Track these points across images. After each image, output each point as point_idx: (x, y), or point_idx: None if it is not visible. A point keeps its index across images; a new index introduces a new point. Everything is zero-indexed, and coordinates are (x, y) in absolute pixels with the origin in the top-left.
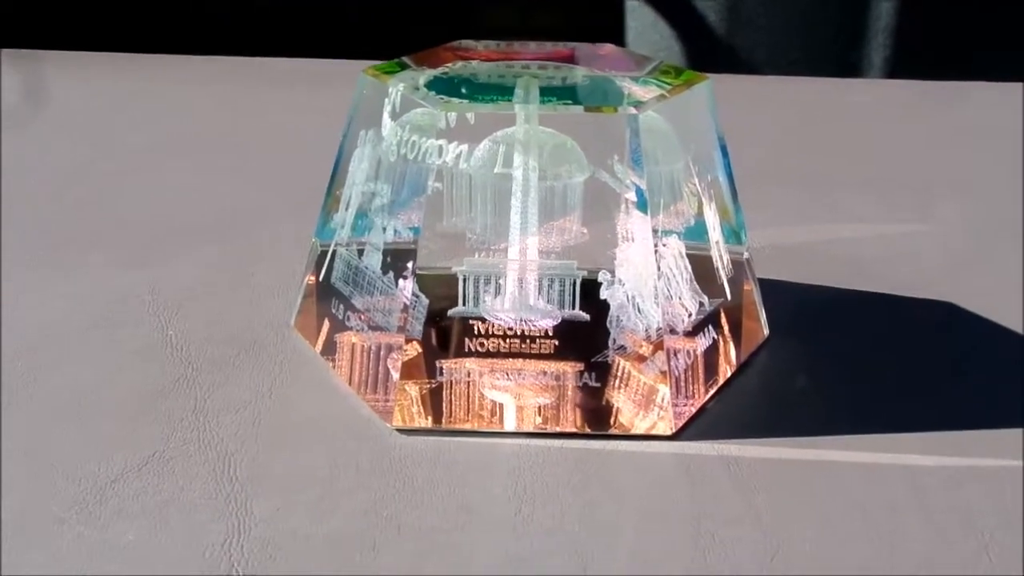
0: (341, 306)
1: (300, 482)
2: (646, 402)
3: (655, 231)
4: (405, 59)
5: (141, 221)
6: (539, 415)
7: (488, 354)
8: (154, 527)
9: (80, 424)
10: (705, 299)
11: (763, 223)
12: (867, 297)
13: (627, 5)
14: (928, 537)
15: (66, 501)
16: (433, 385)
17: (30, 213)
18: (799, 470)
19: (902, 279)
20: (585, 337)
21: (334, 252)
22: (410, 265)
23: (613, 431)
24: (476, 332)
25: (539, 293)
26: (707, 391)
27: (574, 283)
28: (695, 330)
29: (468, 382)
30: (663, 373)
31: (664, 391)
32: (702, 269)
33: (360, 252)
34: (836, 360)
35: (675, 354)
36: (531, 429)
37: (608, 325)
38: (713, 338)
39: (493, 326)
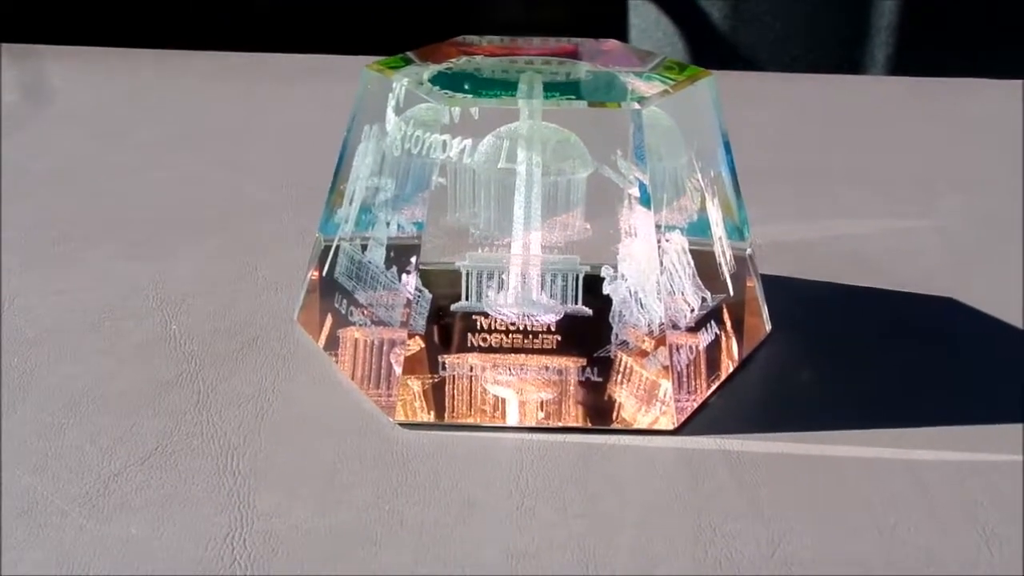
0: (344, 301)
1: (303, 476)
2: (648, 397)
3: (658, 226)
4: (409, 54)
5: (145, 215)
6: (541, 410)
7: (491, 349)
8: (157, 520)
9: (83, 417)
10: (708, 294)
11: (766, 219)
12: (869, 293)
13: (630, 3)
14: (930, 531)
15: (69, 494)
16: (435, 380)
17: (32, 208)
18: (801, 465)
19: (904, 275)
20: (588, 332)
21: (338, 247)
22: (413, 260)
23: (615, 426)
24: (479, 327)
25: (542, 288)
26: (709, 386)
27: (577, 278)
28: (697, 325)
29: (470, 377)
30: (665, 368)
31: (666, 386)
32: (705, 265)
33: (364, 247)
34: (838, 355)
35: (677, 349)
36: (533, 424)
37: (610, 320)
38: (715, 333)
39: (496, 321)
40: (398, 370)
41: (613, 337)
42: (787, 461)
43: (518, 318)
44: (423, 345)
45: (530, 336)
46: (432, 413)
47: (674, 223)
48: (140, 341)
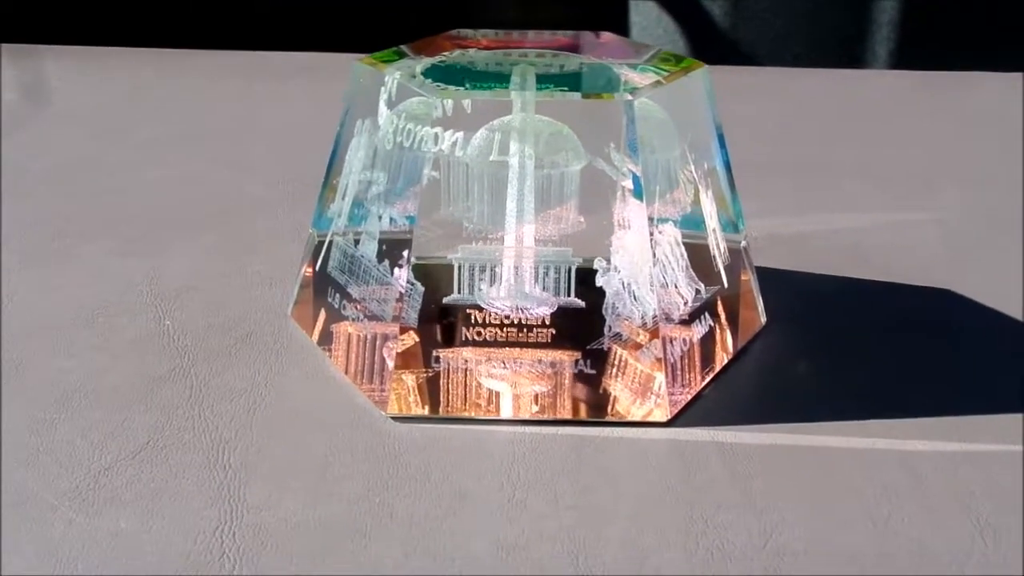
0: (337, 295)
1: (293, 470)
2: (643, 390)
3: (651, 219)
4: (403, 48)
5: (140, 212)
6: (535, 403)
7: (485, 343)
8: (146, 514)
9: (75, 412)
10: (702, 287)
11: (763, 212)
12: (866, 285)
13: (631, 0)
14: (923, 523)
15: (59, 489)
16: (430, 374)
17: (29, 205)
18: (794, 456)
19: (901, 267)
20: (582, 325)
21: (331, 242)
22: (406, 254)
23: (609, 419)
24: (473, 321)
25: (535, 281)
26: (703, 378)
27: (569, 271)
28: (691, 318)
29: (465, 371)
30: (659, 360)
31: (660, 379)
32: (698, 257)
33: (356, 241)
34: (833, 348)
35: (671, 342)
36: (527, 417)
37: (604, 312)
38: (710, 326)
39: (490, 315)
40: (391, 364)
41: (606, 330)
42: (780, 453)
43: (511, 311)
44: (417, 339)
45: (524, 329)
46: (427, 407)
47: (667, 215)
48: (134, 336)
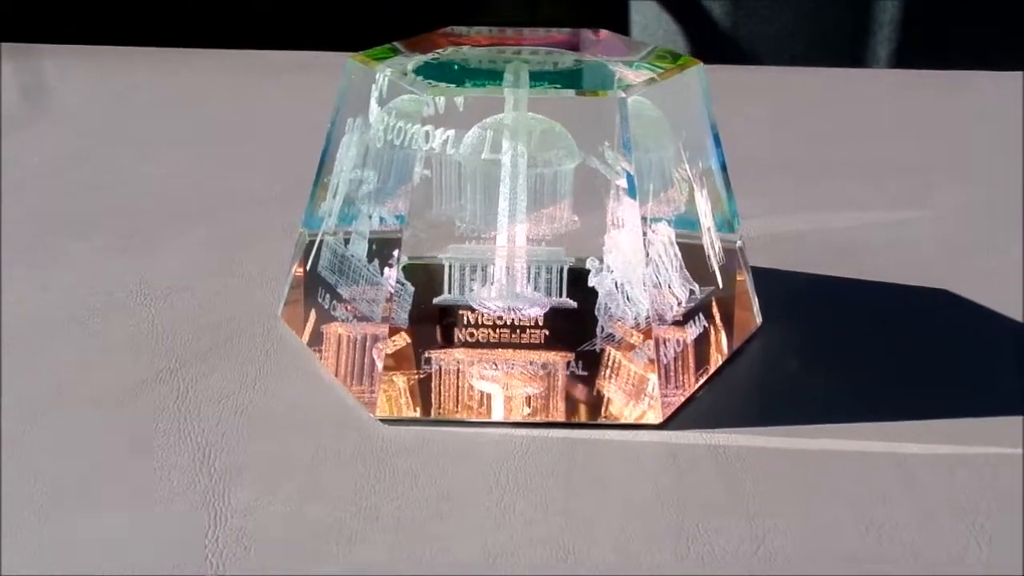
0: (328, 295)
1: (279, 473)
2: (637, 392)
3: (644, 218)
4: (397, 44)
5: (131, 211)
6: (527, 405)
7: (478, 344)
8: (132, 519)
9: (60, 416)
10: (696, 287)
11: (761, 211)
12: (863, 285)
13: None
14: (918, 527)
15: (42, 493)
16: (421, 376)
17: (19, 205)
18: (788, 459)
19: (899, 267)
20: (575, 326)
21: (321, 241)
22: (395, 253)
23: (602, 421)
24: (465, 322)
25: (527, 281)
26: (697, 380)
27: (561, 270)
28: (685, 318)
29: (457, 372)
30: (652, 362)
31: (653, 380)
32: (693, 257)
33: (347, 241)
34: (830, 349)
35: (664, 343)
36: (520, 419)
37: (596, 313)
38: (704, 327)
39: (482, 316)
40: (380, 365)
41: (599, 330)
42: (774, 456)
43: (504, 312)
44: (409, 340)
45: (517, 331)
46: (419, 409)
47: (661, 215)
48: (122, 337)
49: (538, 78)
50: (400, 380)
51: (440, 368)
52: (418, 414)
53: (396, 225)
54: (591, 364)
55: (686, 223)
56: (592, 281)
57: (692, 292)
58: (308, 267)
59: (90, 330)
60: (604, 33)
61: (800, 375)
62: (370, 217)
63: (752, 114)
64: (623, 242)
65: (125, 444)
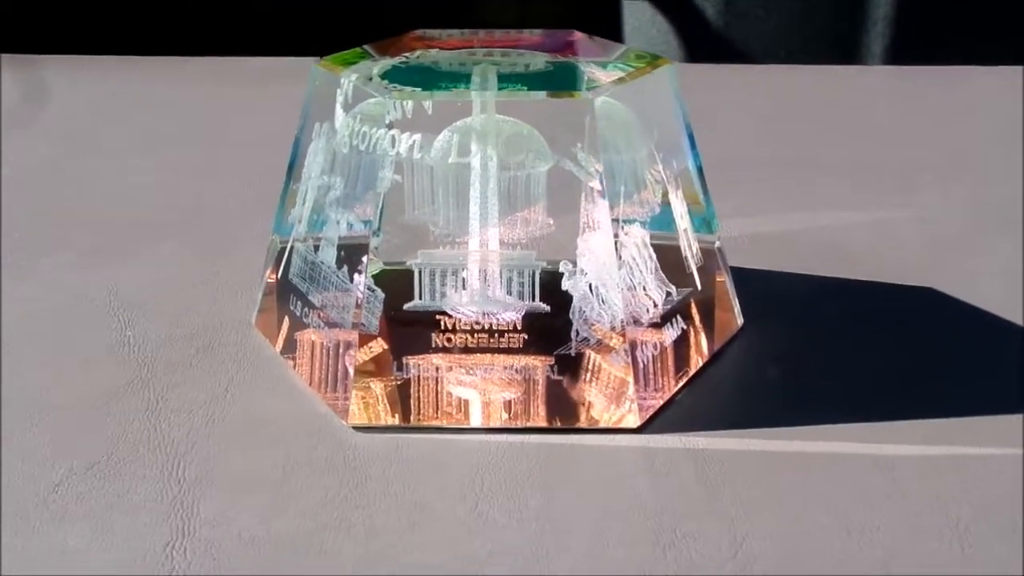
0: (299, 303)
1: (250, 483)
2: (617, 395)
3: (616, 220)
4: (367, 48)
5: (105, 221)
6: (506, 411)
7: (456, 349)
8: (96, 531)
9: (28, 428)
10: (673, 289)
11: (743, 211)
12: (847, 285)
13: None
14: (900, 530)
15: (6, 507)
16: (399, 382)
17: None
18: (768, 462)
19: (884, 266)
20: (553, 330)
21: (292, 248)
22: (364, 259)
23: (580, 425)
24: (443, 327)
25: (500, 285)
26: (677, 382)
27: (533, 274)
28: (663, 321)
29: (435, 378)
30: (629, 365)
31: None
32: (669, 259)
33: (316, 247)
34: (812, 349)
35: (641, 345)
36: (498, 425)
37: (571, 316)
38: (682, 329)
39: (460, 321)
40: (351, 372)
41: (574, 334)
42: (754, 459)
43: (480, 317)
44: (385, 346)
45: (496, 336)
46: (397, 416)
47: (634, 216)
48: (93, 348)
49: (507, 80)
50: (377, 386)
51: (418, 374)
52: (396, 421)
53: (365, 231)
54: (570, 368)
55: (661, 224)
56: (566, 284)
57: (669, 294)
58: (280, 274)
59: (62, 339)
60: (576, 34)
61: (781, 377)
62: (338, 223)
63: (743, 113)
64: (596, 244)
65: (93, 453)
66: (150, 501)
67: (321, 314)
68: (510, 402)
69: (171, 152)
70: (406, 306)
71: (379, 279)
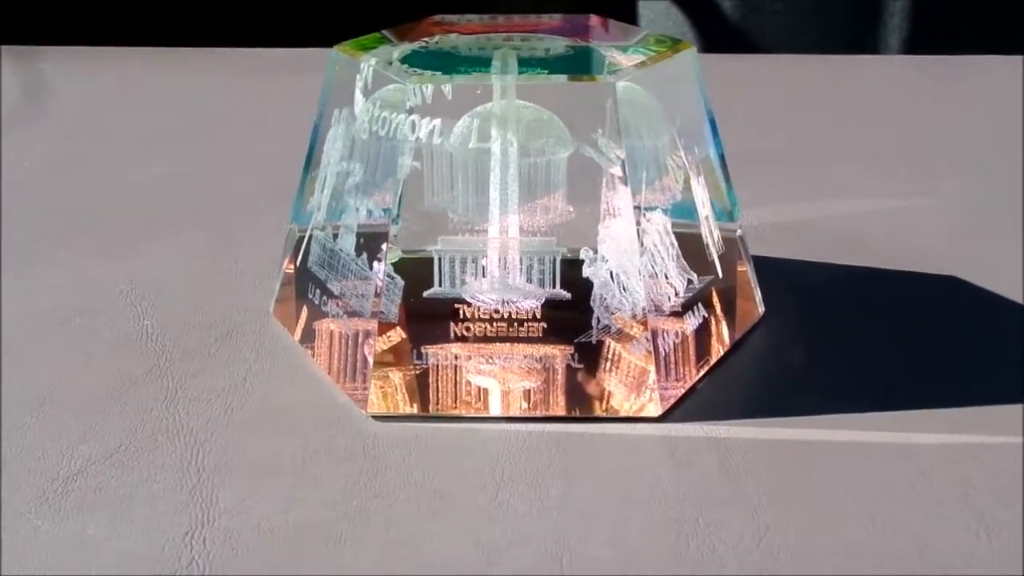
0: (318, 291)
1: (269, 472)
2: (637, 384)
3: (638, 207)
4: (386, 33)
5: (125, 211)
6: (526, 399)
7: (475, 338)
8: (115, 520)
9: (48, 417)
10: (694, 277)
11: (764, 200)
12: (869, 273)
13: None
14: (924, 520)
15: (27, 495)
16: (417, 371)
17: (11, 205)
18: (790, 451)
19: (906, 255)
20: (573, 318)
21: (311, 236)
22: (384, 247)
23: (601, 414)
24: (462, 316)
25: (520, 273)
26: (698, 371)
27: (554, 261)
28: (684, 309)
29: (454, 367)
30: (650, 353)
31: (653, 372)
32: (691, 246)
33: (335, 235)
34: (833, 338)
35: (662, 334)
36: (518, 414)
37: (592, 304)
38: (703, 317)
39: (479, 310)
40: (371, 361)
41: (595, 322)
42: (776, 447)
43: (499, 305)
44: (404, 335)
45: (515, 324)
46: (416, 406)
47: (655, 203)
48: (112, 337)
49: (528, 64)
50: (396, 375)
51: (437, 363)
52: (415, 410)
53: (384, 218)
54: (590, 357)
55: (683, 212)
56: (587, 272)
57: (690, 282)
58: (298, 263)
59: (81, 329)
60: (597, 19)
61: (803, 365)
62: (357, 210)
63: (761, 103)
64: (618, 231)
65: (112, 442)
66: (169, 490)
67: (340, 302)
68: (530, 391)
69: (189, 142)
70: (425, 293)
71: (398, 267)
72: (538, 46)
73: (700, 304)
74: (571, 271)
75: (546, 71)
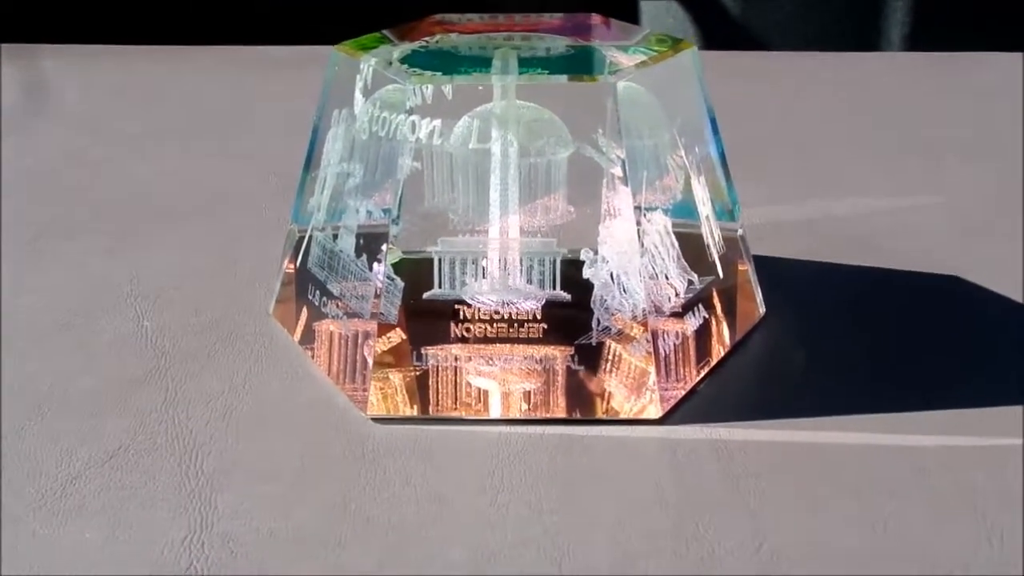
0: (318, 292)
1: (268, 475)
2: (637, 386)
3: (638, 207)
4: (386, 32)
5: (122, 211)
6: (526, 401)
7: (475, 339)
8: (113, 524)
9: (45, 419)
10: (695, 277)
11: (766, 199)
12: (872, 273)
13: None
14: (927, 524)
15: (24, 499)
16: (417, 372)
17: (9, 204)
18: (792, 453)
19: (909, 254)
20: (573, 320)
21: (310, 237)
22: (384, 248)
23: (601, 416)
24: (462, 317)
25: (520, 274)
26: (698, 373)
27: (554, 262)
28: (684, 310)
29: (454, 368)
30: (650, 354)
31: (653, 374)
32: (691, 247)
33: (335, 236)
34: (835, 339)
35: (662, 335)
36: (518, 416)
37: (592, 306)
38: (704, 318)
39: (480, 311)
40: (370, 362)
41: (595, 323)
42: (777, 450)
43: (499, 306)
44: (404, 336)
45: (515, 325)
46: (416, 407)
47: (656, 203)
48: (111, 338)
49: (528, 64)
50: (396, 377)
51: (437, 364)
52: (415, 412)
53: (384, 219)
54: (590, 358)
55: (683, 212)
56: (587, 273)
57: (691, 282)
58: (298, 263)
59: (79, 330)
60: (597, 18)
61: (805, 366)
62: (357, 211)
63: (762, 100)
64: (618, 232)
65: (110, 448)
66: (168, 494)
67: (340, 303)
68: (530, 393)
69: (188, 141)
70: (426, 295)
71: (398, 268)
72: (539, 45)
73: (701, 305)
74: (571, 272)
75: (546, 71)
